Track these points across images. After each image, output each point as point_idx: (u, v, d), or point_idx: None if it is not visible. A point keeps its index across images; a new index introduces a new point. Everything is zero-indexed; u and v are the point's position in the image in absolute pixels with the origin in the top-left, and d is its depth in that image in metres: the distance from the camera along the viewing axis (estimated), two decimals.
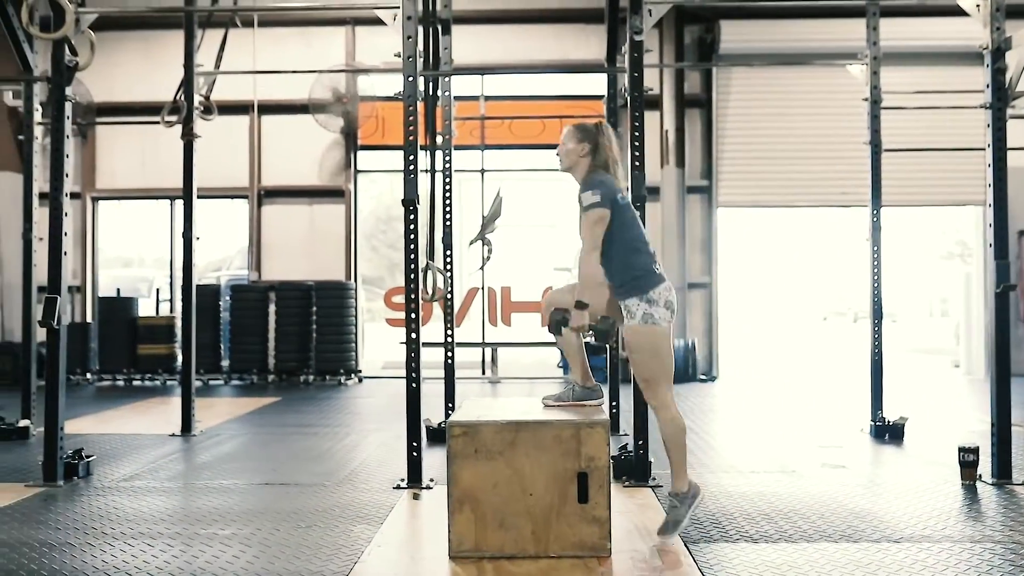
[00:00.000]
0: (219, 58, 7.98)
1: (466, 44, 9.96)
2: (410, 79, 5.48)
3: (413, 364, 5.51)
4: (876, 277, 7.20)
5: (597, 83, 12.10)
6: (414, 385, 5.52)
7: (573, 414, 4.17)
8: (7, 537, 4.32)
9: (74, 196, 11.60)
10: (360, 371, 11.64)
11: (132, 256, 20.47)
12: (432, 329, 11.97)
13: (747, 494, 5.17)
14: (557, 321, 4.28)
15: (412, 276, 5.52)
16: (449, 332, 7.27)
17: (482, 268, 11.27)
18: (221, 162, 11.33)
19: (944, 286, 22.49)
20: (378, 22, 12.46)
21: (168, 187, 11.35)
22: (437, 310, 12.00)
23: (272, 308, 11.44)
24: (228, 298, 11.66)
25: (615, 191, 4.24)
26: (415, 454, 5.51)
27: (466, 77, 11.43)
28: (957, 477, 5.50)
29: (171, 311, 12.31)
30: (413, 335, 5.53)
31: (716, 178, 11.76)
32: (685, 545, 4.16)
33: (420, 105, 5.71)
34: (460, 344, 11.99)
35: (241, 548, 4.13)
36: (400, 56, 5.63)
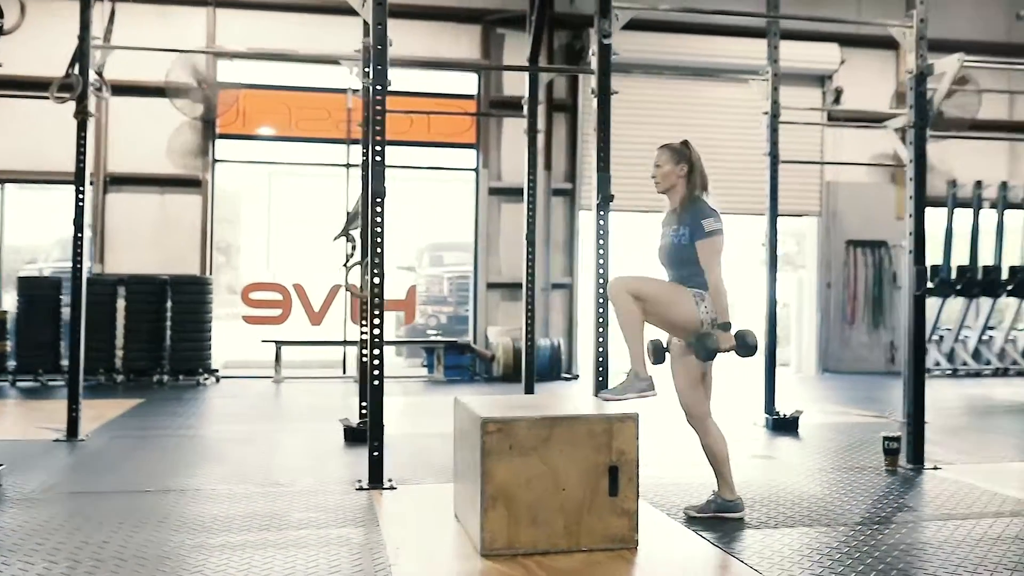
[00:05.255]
0: (108, 32, 7.38)
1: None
2: (380, 68, 5.32)
3: (376, 362, 5.35)
4: (772, 281, 7.68)
5: (466, 83, 12.18)
6: (376, 383, 5.36)
7: (602, 408, 4.23)
8: None
9: None
10: (217, 371, 11.06)
11: None
12: (294, 328, 11.62)
13: (710, 484, 5.39)
14: (710, 349, 4.34)
15: (376, 271, 5.36)
16: (375, 329, 7.07)
17: (346, 265, 11.04)
18: (56, 144, 10.41)
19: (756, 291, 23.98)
20: (241, 6, 11.95)
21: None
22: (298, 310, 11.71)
23: (121, 303, 10.65)
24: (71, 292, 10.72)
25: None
26: (376, 454, 5.35)
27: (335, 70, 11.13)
28: (871, 464, 6.01)
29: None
30: (376, 331, 5.36)
31: (580, 181, 12.09)
32: (698, 534, 4.33)
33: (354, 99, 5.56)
34: (322, 343, 11.73)
35: (272, 552, 3.91)
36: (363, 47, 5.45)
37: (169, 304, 10.75)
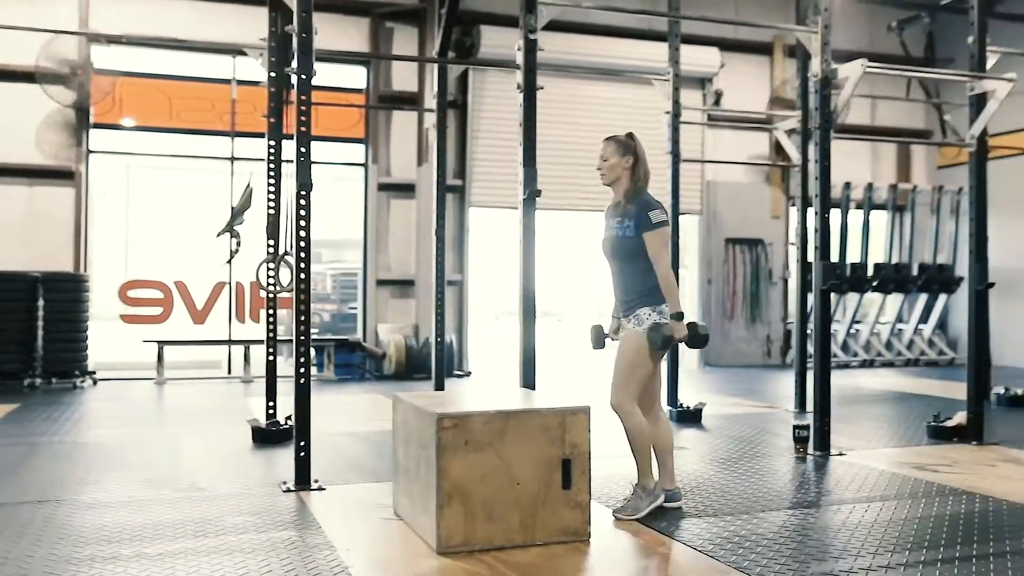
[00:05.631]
0: None
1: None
2: (305, 56, 5.17)
3: (302, 360, 5.19)
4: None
5: (355, 77, 11.97)
6: (303, 381, 5.20)
7: (556, 401, 4.24)
8: None
9: None
10: (94, 372, 10.49)
11: None
12: (175, 327, 11.13)
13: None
14: (666, 337, 4.35)
15: (303, 267, 5.20)
16: (302, 326, 6.86)
17: (229, 262, 10.68)
18: None
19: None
20: None
21: None
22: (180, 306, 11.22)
23: None
24: None
25: None
26: (303, 454, 5.19)
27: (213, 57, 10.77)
28: (778, 451, 6.25)
29: None
30: (302, 327, 5.21)
31: (469, 178, 12.07)
32: (645, 524, 4.39)
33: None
34: (209, 342, 11.28)
35: (219, 558, 3.72)
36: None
37: (41, 303, 10.13)
